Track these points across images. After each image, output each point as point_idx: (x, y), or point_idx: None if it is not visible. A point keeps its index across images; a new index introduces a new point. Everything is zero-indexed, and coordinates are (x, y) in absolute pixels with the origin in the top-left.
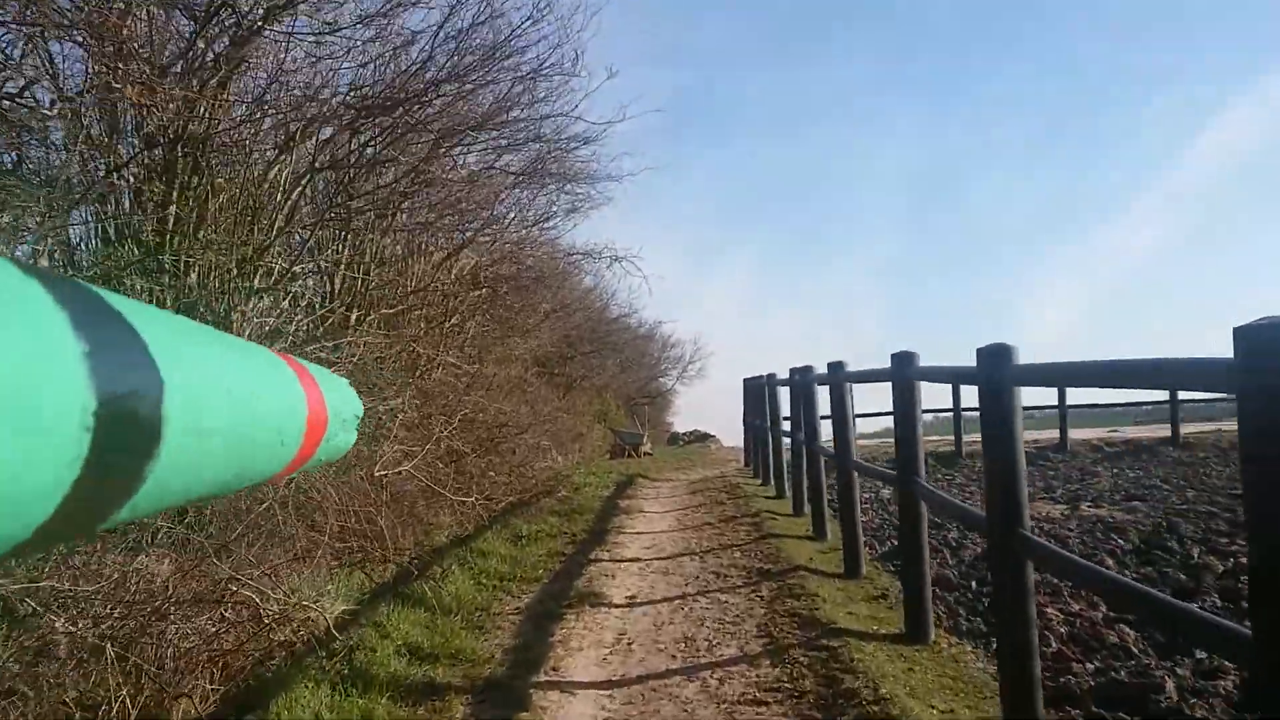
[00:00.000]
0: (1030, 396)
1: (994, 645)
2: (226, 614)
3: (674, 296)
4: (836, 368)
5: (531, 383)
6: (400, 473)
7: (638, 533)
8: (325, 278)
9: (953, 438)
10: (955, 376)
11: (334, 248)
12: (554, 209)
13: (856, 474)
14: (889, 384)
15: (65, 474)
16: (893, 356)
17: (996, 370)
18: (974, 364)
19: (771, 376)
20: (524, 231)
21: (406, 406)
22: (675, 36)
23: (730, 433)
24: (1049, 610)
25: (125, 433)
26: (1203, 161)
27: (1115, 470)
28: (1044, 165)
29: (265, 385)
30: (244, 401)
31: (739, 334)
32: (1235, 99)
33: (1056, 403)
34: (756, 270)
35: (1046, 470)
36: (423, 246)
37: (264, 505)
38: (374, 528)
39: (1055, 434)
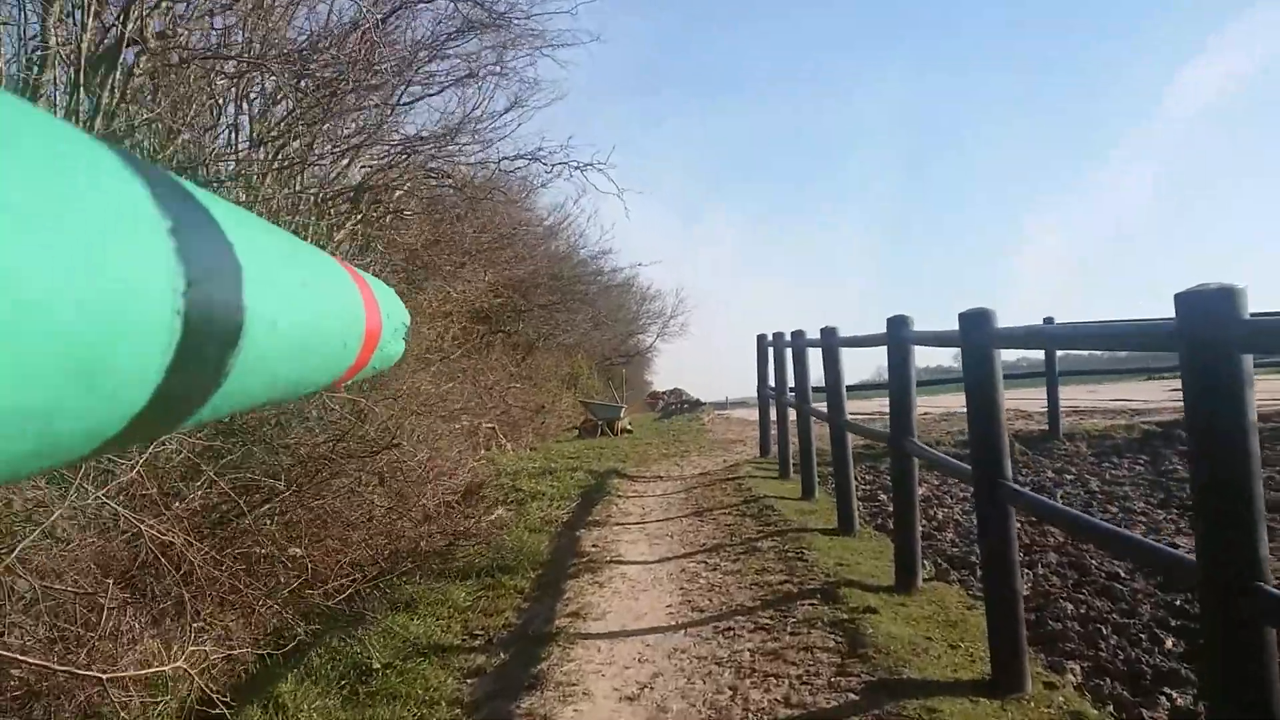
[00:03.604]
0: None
1: None
2: None
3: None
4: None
5: (460, 344)
6: None
7: (612, 635)
8: None
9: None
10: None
11: None
12: (486, 71)
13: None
14: None
15: (159, 359)
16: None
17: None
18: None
19: (829, 332)
20: (433, 114)
21: None
22: None
23: (708, 392)
24: None
25: (212, 319)
26: (1183, 102)
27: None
28: (1031, 117)
29: (330, 281)
30: (315, 297)
31: (723, 292)
32: (1215, 39)
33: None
34: (744, 230)
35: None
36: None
37: None
38: None
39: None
